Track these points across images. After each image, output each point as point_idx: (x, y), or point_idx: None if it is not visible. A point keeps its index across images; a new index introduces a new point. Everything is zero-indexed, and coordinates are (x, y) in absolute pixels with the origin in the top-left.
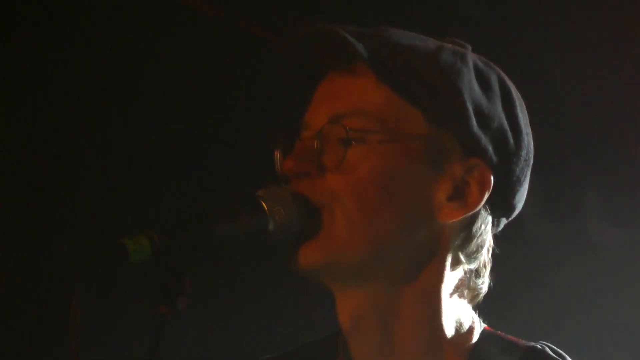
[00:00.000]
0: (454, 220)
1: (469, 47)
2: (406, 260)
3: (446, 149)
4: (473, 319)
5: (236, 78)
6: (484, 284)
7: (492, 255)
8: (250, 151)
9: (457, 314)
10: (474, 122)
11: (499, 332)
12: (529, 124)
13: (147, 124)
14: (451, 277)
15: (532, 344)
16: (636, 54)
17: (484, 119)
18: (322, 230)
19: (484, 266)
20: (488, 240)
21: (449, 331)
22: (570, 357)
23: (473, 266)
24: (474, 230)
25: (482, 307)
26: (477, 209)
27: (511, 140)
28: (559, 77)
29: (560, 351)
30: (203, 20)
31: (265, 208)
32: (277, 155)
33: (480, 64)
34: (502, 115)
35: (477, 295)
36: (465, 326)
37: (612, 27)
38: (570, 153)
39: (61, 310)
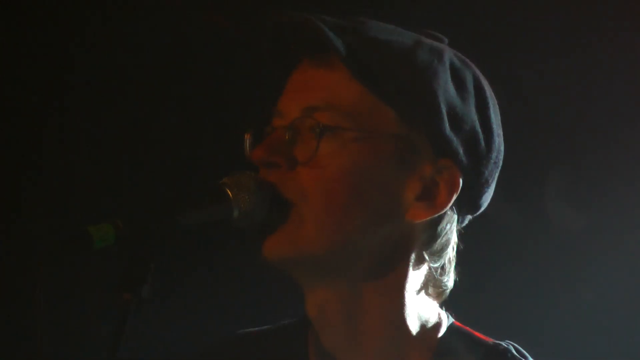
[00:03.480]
0: (421, 220)
1: (446, 40)
2: (371, 258)
3: (417, 149)
4: (439, 314)
5: (204, 65)
6: (449, 280)
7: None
8: (217, 140)
9: (423, 310)
10: (446, 123)
11: (467, 328)
12: (500, 124)
13: (111, 112)
14: (415, 275)
15: (498, 342)
16: (599, 43)
17: (457, 121)
18: (289, 223)
19: (449, 262)
20: (453, 238)
21: (414, 327)
22: (533, 354)
23: (438, 264)
24: (439, 230)
25: (454, 302)
26: (445, 210)
27: (482, 143)
28: (521, 65)
29: (524, 352)
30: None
31: (230, 195)
32: (248, 139)
33: (457, 62)
34: (475, 117)
35: (443, 291)
36: (431, 322)
37: (575, 17)
38: (531, 138)
39: (25, 298)
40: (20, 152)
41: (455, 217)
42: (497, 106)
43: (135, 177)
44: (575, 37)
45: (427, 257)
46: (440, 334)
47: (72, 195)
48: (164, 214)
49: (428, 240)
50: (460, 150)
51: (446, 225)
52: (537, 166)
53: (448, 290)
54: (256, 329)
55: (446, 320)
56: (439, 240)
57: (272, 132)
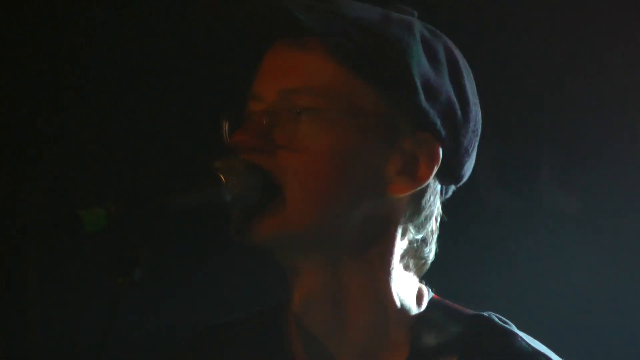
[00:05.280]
0: (403, 194)
1: (415, 14)
2: (355, 234)
3: (396, 124)
4: (420, 288)
5: (193, 50)
6: (430, 252)
7: (447, 226)
8: (208, 123)
9: (405, 283)
10: (422, 96)
11: (447, 301)
12: (476, 93)
13: (102, 98)
14: (398, 248)
15: (478, 312)
16: (591, 29)
17: (432, 93)
18: (273, 204)
19: (431, 234)
20: (436, 210)
21: (397, 301)
22: (519, 327)
23: (420, 236)
24: (423, 203)
25: (436, 278)
26: (427, 183)
27: (459, 112)
28: (514, 48)
29: (506, 320)
30: None
31: (222, 179)
32: (225, 126)
33: (427, 34)
34: (450, 88)
35: (424, 264)
36: (413, 295)
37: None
38: (524, 121)
39: (16, 283)
40: (10, 141)
41: (438, 188)
42: (471, 75)
43: (127, 161)
44: (568, 24)
45: (412, 230)
46: (422, 307)
47: (64, 180)
48: (156, 198)
49: (412, 213)
50: (438, 122)
51: (429, 197)
52: (530, 150)
53: (429, 263)
54: (228, 318)
55: (427, 293)
56: (423, 213)
57: (249, 117)
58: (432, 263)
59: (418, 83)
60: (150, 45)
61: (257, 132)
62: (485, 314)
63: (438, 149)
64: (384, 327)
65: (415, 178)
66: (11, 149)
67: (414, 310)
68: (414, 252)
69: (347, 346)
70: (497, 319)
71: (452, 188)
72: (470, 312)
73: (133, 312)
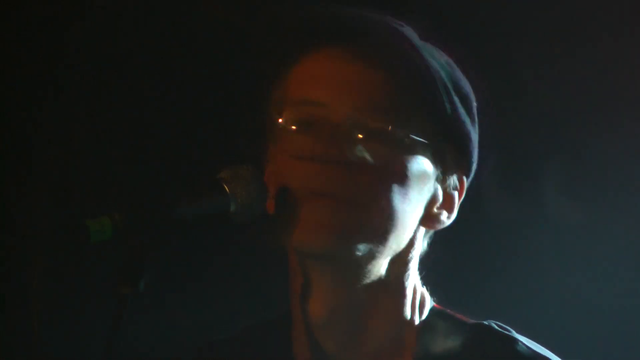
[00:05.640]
0: (436, 229)
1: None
2: (389, 256)
3: (447, 162)
4: (423, 294)
5: (202, 57)
6: (429, 252)
7: (451, 236)
8: (214, 132)
9: (415, 294)
10: (476, 150)
11: (448, 310)
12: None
13: (109, 106)
14: (416, 257)
15: (478, 321)
16: (598, 36)
17: (476, 145)
18: (332, 217)
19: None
20: None
21: (408, 312)
22: (521, 334)
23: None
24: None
25: (442, 288)
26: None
27: (477, 149)
28: (520, 58)
29: (507, 327)
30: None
31: (227, 190)
32: (280, 123)
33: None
34: (473, 129)
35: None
36: (418, 304)
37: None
38: (530, 131)
39: (22, 293)
40: (16, 146)
41: None
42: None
43: (133, 170)
44: (574, 30)
45: (426, 240)
46: (423, 316)
47: (70, 188)
48: (161, 208)
49: (430, 234)
50: (473, 166)
51: None
52: (536, 159)
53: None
54: (229, 335)
55: (428, 302)
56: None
57: (313, 123)
58: (435, 271)
59: (473, 139)
60: (160, 53)
61: (334, 144)
62: (486, 322)
63: (465, 183)
64: (394, 334)
65: (450, 215)
66: (17, 157)
67: (417, 317)
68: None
69: (358, 353)
70: (497, 327)
71: None
72: (471, 321)
73: (138, 320)
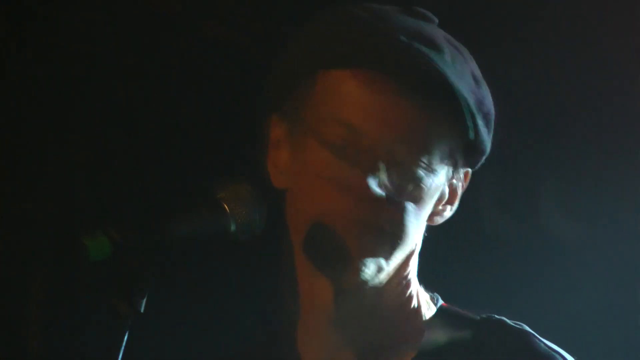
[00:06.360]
0: (439, 223)
1: (436, 21)
2: (406, 258)
3: (458, 165)
4: (428, 293)
5: (203, 71)
6: None
7: (452, 256)
8: (214, 151)
9: (419, 289)
10: (484, 157)
11: (456, 307)
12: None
13: (107, 120)
14: (416, 258)
15: (486, 316)
16: (599, 48)
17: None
18: (377, 248)
19: None
20: None
21: (415, 307)
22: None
23: None
24: None
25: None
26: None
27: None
28: (517, 72)
29: (519, 322)
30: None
31: (227, 210)
32: (327, 157)
33: (478, 74)
34: (489, 142)
35: None
36: (423, 300)
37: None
38: (528, 149)
39: (19, 311)
40: (18, 159)
41: None
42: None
43: (133, 185)
44: (574, 46)
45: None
46: (431, 314)
47: (70, 203)
48: (160, 228)
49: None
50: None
51: None
52: (533, 174)
53: None
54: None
55: (434, 302)
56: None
57: (356, 149)
58: (438, 285)
59: (487, 149)
60: (161, 68)
61: (391, 183)
62: (495, 316)
63: (469, 174)
64: (401, 331)
65: (453, 207)
66: (16, 173)
67: (425, 315)
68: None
69: (365, 350)
70: (509, 321)
71: None
72: (479, 317)
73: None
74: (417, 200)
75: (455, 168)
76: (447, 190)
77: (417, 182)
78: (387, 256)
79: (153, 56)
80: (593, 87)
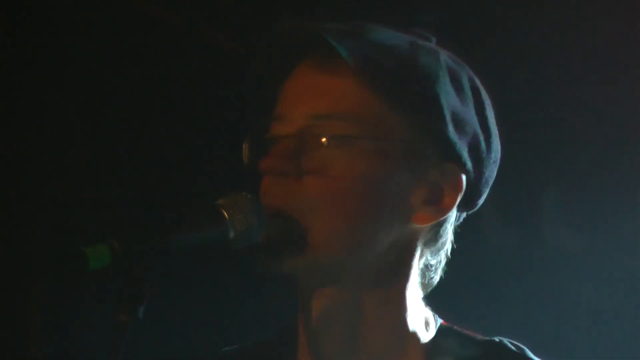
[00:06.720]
0: (427, 224)
1: (434, 39)
2: (379, 262)
3: (423, 154)
4: (428, 313)
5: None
6: (435, 277)
7: (450, 261)
8: (211, 157)
9: (417, 309)
10: (450, 127)
11: (456, 326)
12: (495, 123)
13: (108, 127)
14: (415, 273)
15: (488, 338)
16: (595, 54)
17: (459, 124)
18: (299, 234)
19: (442, 259)
20: (450, 237)
21: (411, 326)
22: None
23: (434, 261)
24: (441, 230)
25: (442, 314)
26: (450, 212)
27: (483, 144)
28: (516, 80)
29: (519, 344)
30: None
31: (226, 216)
32: (247, 147)
33: (452, 63)
34: (475, 119)
35: (429, 288)
36: (422, 320)
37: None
38: (526, 158)
39: (20, 320)
40: (19, 166)
41: (455, 215)
42: (491, 105)
43: (133, 194)
44: (575, 50)
45: (428, 256)
46: (432, 333)
47: (70, 212)
48: (159, 236)
49: (430, 239)
50: (464, 153)
51: (448, 225)
52: (534, 185)
53: (432, 287)
54: (236, 346)
55: (434, 320)
56: (440, 240)
57: (275, 140)
58: (438, 294)
59: (447, 114)
60: (169, 75)
61: (286, 156)
62: (497, 339)
63: (462, 179)
64: (397, 351)
65: (440, 208)
66: (16, 180)
67: (424, 334)
68: (423, 278)
69: None
70: (509, 344)
71: (464, 215)
72: (482, 337)
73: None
74: (331, 174)
75: (419, 158)
76: (423, 188)
77: (322, 155)
78: (317, 244)
79: (155, 63)
80: (594, 92)
